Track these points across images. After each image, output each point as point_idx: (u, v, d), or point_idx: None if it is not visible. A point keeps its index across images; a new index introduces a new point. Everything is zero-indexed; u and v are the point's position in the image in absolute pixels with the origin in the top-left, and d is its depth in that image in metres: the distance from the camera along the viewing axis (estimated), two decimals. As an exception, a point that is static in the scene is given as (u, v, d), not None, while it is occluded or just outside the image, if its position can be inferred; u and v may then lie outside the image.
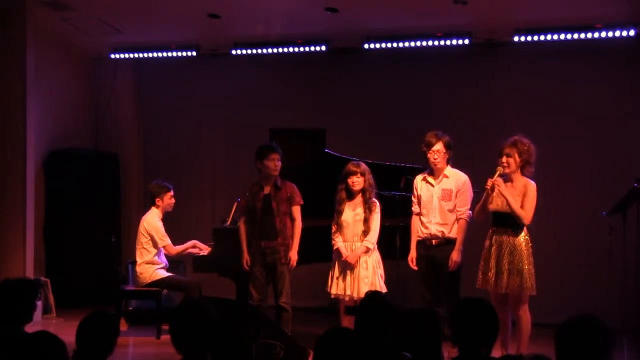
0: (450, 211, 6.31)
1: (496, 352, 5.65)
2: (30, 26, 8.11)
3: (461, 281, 6.34)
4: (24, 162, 8.07)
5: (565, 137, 8.57)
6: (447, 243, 6.30)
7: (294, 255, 6.64)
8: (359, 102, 9.27)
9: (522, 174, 6.03)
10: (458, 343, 3.34)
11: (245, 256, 6.70)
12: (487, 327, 3.33)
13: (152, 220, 7.46)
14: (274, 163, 6.63)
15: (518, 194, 5.97)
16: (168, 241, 7.45)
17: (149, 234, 7.43)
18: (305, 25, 8.72)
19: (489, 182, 5.96)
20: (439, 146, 6.29)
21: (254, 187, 6.77)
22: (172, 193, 7.56)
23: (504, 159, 5.98)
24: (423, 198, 6.39)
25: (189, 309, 3.46)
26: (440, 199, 6.33)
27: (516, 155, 5.97)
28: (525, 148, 5.97)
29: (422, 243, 6.38)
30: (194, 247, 7.49)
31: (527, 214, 5.93)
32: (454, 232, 6.32)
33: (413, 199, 6.49)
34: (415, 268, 6.39)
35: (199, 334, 3.33)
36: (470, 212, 6.32)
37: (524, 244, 5.93)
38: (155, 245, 7.42)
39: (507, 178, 6.04)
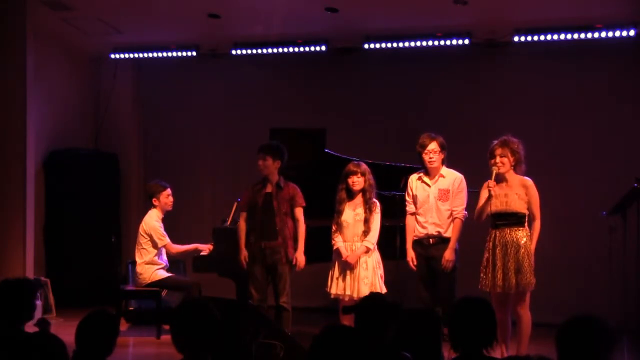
0: (447, 211, 6.33)
1: (496, 353, 5.65)
2: (30, 26, 8.10)
3: (457, 281, 6.35)
4: (24, 162, 8.06)
5: (565, 137, 8.58)
6: (444, 242, 6.32)
7: (300, 256, 6.64)
8: (359, 102, 9.28)
9: (515, 172, 6.06)
10: (456, 343, 3.33)
11: (244, 252, 6.70)
12: (485, 326, 3.32)
13: (150, 221, 7.46)
14: (259, 162, 6.65)
15: (516, 192, 5.99)
16: (167, 240, 7.45)
17: (147, 235, 7.43)
18: (305, 25, 8.72)
19: (491, 184, 5.98)
20: (433, 146, 6.32)
21: (257, 184, 6.78)
22: (168, 192, 7.55)
23: (498, 159, 6.01)
24: (419, 198, 6.40)
25: (190, 309, 3.46)
26: (437, 199, 6.34)
27: (509, 154, 6.00)
28: (516, 146, 6.03)
29: (419, 242, 6.40)
30: (195, 249, 7.47)
31: (538, 214, 5.97)
32: (450, 231, 6.33)
33: (407, 198, 6.50)
34: (415, 268, 6.40)
35: (200, 333, 3.33)
36: (466, 212, 6.34)
37: (527, 241, 5.94)
38: (154, 245, 7.42)
39: (501, 178, 6.06)
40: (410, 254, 6.39)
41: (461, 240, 6.38)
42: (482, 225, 6.17)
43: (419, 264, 6.37)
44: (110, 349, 3.43)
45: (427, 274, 6.36)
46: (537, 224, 6.00)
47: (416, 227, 6.40)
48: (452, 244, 6.29)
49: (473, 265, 6.21)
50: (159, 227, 7.45)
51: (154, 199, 7.53)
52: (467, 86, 8.95)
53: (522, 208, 5.98)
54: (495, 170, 6.02)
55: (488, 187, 6.00)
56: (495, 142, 6.07)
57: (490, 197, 6.01)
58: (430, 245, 6.36)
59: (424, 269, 6.37)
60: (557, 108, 8.65)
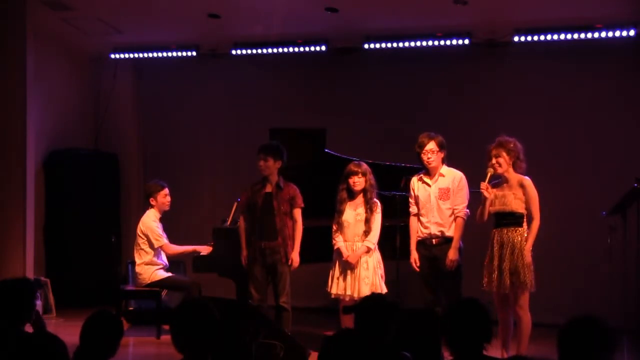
0: (448, 210, 6.33)
1: (497, 353, 5.66)
2: (30, 26, 8.10)
3: (462, 280, 6.34)
4: (24, 162, 8.06)
5: (565, 137, 8.58)
6: (447, 242, 6.31)
7: (295, 256, 6.65)
8: (359, 102, 9.27)
9: (515, 171, 6.07)
10: (452, 345, 3.33)
11: (244, 253, 6.72)
12: (479, 326, 3.31)
13: (147, 221, 7.44)
14: (259, 163, 6.66)
15: (513, 192, 6.01)
16: (164, 241, 7.42)
17: (144, 235, 7.41)
18: (305, 25, 8.73)
19: (483, 186, 6.01)
20: (431, 145, 6.32)
21: (257, 184, 6.78)
22: (166, 191, 7.52)
23: (494, 160, 6.04)
24: (421, 198, 6.40)
25: (190, 309, 3.46)
26: (438, 198, 6.34)
27: (504, 154, 6.02)
28: (511, 145, 6.04)
29: (423, 243, 6.39)
30: (194, 251, 7.46)
31: (536, 213, 5.98)
32: (452, 230, 6.33)
33: (410, 200, 6.50)
34: (419, 269, 6.40)
35: (200, 333, 3.33)
36: (468, 210, 6.34)
37: (522, 241, 5.95)
38: (151, 246, 7.40)
39: (502, 180, 6.09)
40: (414, 255, 6.39)
41: (465, 240, 6.37)
42: (486, 224, 6.18)
43: (422, 266, 6.36)
44: (113, 350, 3.43)
45: (431, 275, 6.35)
46: (534, 224, 6.00)
47: (419, 228, 6.40)
48: (455, 244, 6.28)
49: (477, 265, 6.21)
50: (156, 227, 7.43)
51: (151, 199, 7.52)
52: (467, 86, 8.95)
53: (519, 208, 6.00)
54: (490, 172, 6.04)
55: (486, 188, 6.03)
56: (491, 144, 6.09)
57: (485, 199, 6.04)
58: (434, 246, 6.35)
59: (427, 271, 6.36)
60: (557, 108, 8.64)
